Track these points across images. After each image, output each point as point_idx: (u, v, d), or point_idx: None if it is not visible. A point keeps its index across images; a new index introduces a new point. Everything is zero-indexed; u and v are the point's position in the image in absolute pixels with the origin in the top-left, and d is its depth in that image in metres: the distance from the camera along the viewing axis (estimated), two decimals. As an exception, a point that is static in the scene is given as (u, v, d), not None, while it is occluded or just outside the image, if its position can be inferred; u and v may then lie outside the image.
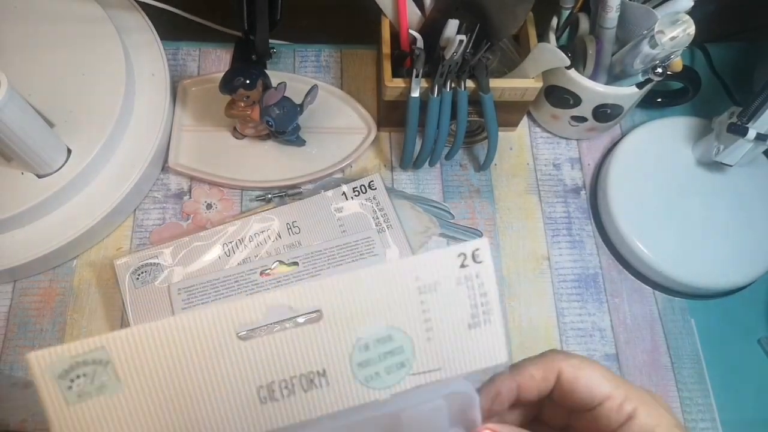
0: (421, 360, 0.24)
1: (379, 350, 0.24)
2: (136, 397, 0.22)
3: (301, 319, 0.23)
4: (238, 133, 0.56)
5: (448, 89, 0.50)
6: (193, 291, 0.49)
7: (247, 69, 0.50)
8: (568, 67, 0.52)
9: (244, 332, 0.22)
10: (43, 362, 0.21)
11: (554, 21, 0.54)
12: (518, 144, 0.60)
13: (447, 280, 0.24)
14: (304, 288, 0.23)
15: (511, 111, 0.56)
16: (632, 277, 0.55)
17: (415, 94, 0.50)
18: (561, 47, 0.51)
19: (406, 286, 0.24)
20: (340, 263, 0.50)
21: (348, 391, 0.23)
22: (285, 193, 0.55)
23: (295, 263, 0.50)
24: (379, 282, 0.24)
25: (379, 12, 0.52)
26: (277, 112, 0.51)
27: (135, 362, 0.22)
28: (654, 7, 0.48)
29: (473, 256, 0.24)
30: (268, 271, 0.50)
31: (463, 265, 0.24)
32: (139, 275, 0.49)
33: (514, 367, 0.26)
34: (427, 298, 0.24)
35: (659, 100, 0.60)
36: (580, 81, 0.52)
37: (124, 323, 0.49)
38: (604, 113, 0.54)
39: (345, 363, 0.23)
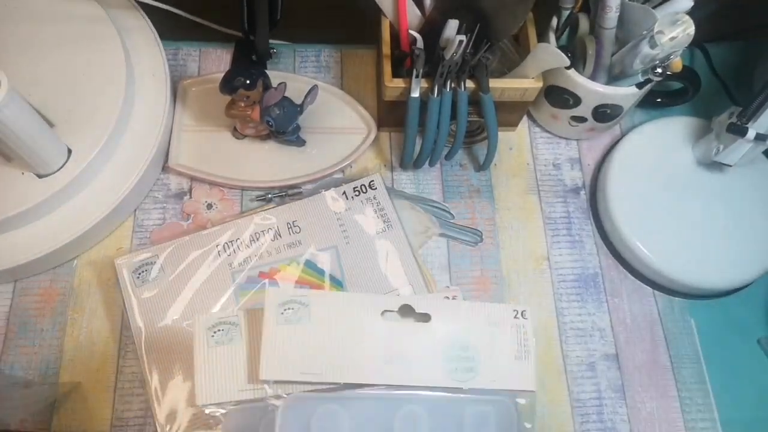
0: (483, 370, 0.37)
1: (459, 353, 0.38)
2: (318, 330, 0.38)
3: (416, 317, 0.38)
4: (238, 133, 0.56)
5: (448, 89, 0.50)
6: (194, 291, 0.49)
7: (247, 69, 0.50)
8: (567, 67, 0.52)
9: (383, 313, 0.39)
10: (272, 295, 0.39)
11: (554, 21, 0.54)
12: (518, 144, 0.60)
13: (505, 322, 0.39)
14: (423, 299, 0.41)
15: (511, 111, 0.56)
16: (632, 277, 0.55)
17: (415, 94, 0.50)
18: (561, 47, 0.51)
19: (481, 319, 0.39)
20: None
21: (437, 375, 0.38)
22: (285, 193, 0.55)
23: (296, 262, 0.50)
24: (466, 312, 0.39)
25: (379, 12, 0.52)
26: (277, 112, 0.51)
27: (322, 310, 0.38)
28: (654, 7, 0.48)
29: (521, 314, 0.39)
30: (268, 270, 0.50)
31: (515, 317, 0.39)
32: (139, 274, 0.49)
33: None
34: (492, 330, 0.39)
35: (659, 100, 0.60)
36: (579, 81, 0.52)
37: (124, 322, 0.49)
38: (604, 113, 0.54)
39: (438, 354, 0.38)
